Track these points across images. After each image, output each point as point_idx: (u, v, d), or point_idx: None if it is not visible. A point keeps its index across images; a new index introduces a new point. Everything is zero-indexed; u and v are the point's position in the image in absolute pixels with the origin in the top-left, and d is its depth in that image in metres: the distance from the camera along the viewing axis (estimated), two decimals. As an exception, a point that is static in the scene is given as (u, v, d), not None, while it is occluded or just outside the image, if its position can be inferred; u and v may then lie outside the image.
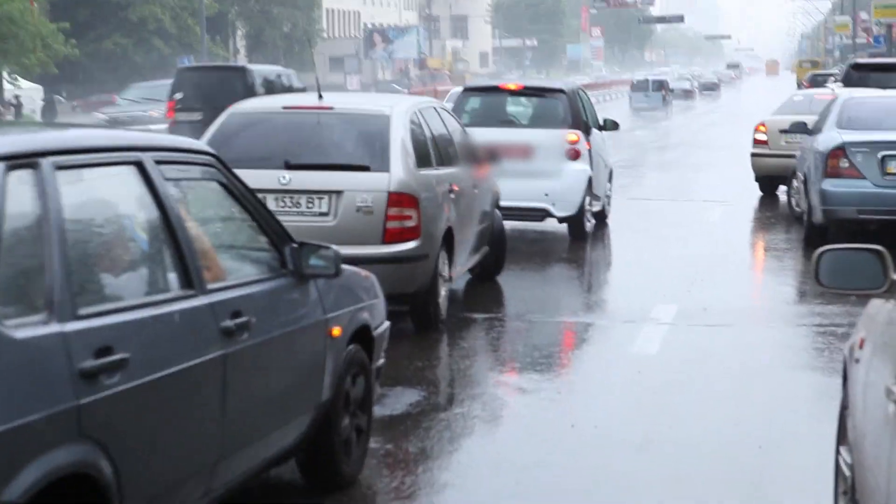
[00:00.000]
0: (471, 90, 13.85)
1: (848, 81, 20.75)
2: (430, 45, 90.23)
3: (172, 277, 4.16)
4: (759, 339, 8.30)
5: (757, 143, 17.44)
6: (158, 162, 4.22)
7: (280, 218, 7.93)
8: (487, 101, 13.69)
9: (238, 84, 20.74)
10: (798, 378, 7.33)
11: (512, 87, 13.57)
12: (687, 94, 58.23)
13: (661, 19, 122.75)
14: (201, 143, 4.87)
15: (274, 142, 8.36)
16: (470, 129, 12.73)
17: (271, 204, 7.95)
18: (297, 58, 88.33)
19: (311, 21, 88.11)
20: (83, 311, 3.55)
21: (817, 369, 7.58)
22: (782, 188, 17.56)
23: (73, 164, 3.78)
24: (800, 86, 71.46)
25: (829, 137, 12.13)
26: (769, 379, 7.22)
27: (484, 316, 9.08)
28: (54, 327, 3.41)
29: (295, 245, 4.93)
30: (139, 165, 4.14)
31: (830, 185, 11.73)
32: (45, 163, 3.62)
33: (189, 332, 4.13)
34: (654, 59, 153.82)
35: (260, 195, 8.09)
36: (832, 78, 42.32)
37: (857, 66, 21.87)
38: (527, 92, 13.54)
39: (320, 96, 8.68)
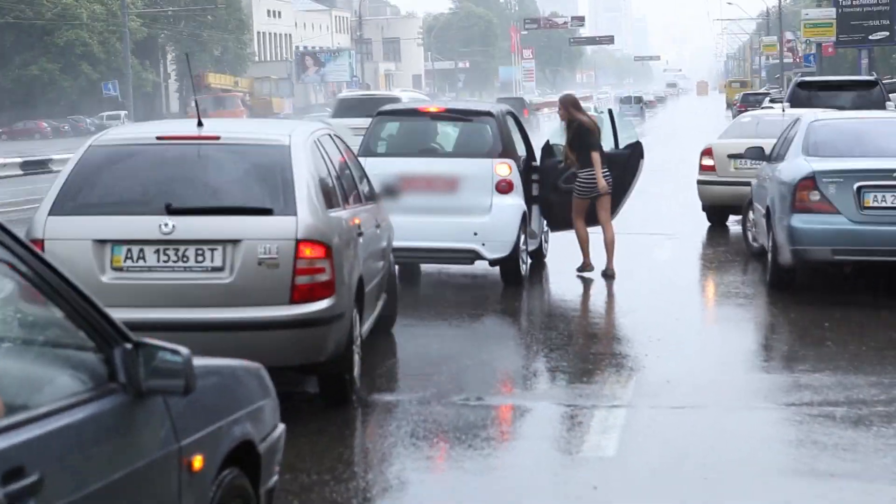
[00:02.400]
0: (386, 114, 11.92)
1: (795, 101, 19.31)
2: (362, 68, 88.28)
3: None
4: (742, 429, 6.45)
5: (704, 168, 15.75)
6: None
7: (162, 275, 6.16)
8: (405, 127, 11.80)
9: None
10: (804, 495, 5.48)
11: (433, 109, 11.65)
12: (650, 103, 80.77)
13: (591, 40, 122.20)
14: None
15: (149, 180, 6.63)
16: (386, 160, 11.07)
17: (151, 258, 6.28)
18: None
19: (242, 44, 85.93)
20: None
21: (822, 476, 5.73)
22: (732, 218, 15.91)
23: None
24: (729, 105, 71.64)
25: (796, 166, 10.40)
26: (765, 497, 5.37)
27: (397, 398, 7.16)
28: None
29: (129, 346, 3.23)
30: None
31: (800, 221, 9.99)
32: None
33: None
34: (584, 80, 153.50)
35: (136, 247, 6.25)
36: (768, 97, 41.45)
37: (804, 85, 20.46)
38: (450, 115, 11.65)
39: (200, 123, 6.87)
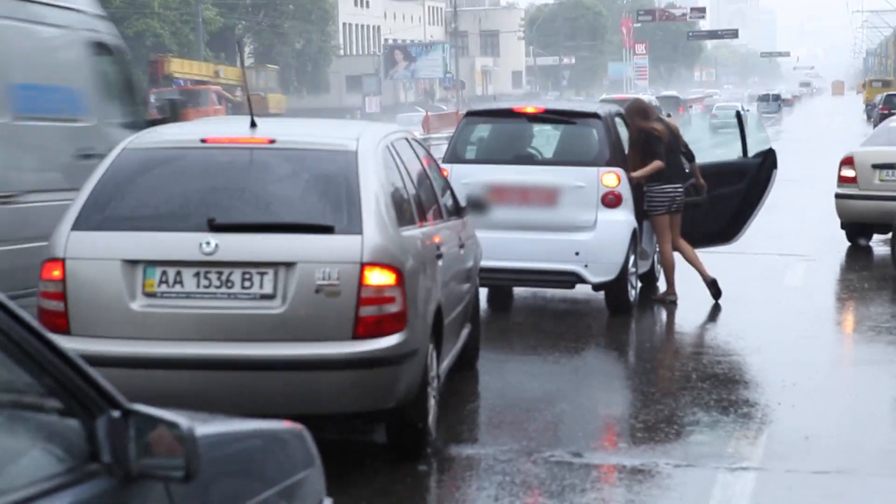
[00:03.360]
0: (476, 114, 11.41)
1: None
2: (456, 63, 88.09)
3: None
4: (900, 503, 5.80)
5: (843, 180, 14.99)
6: None
7: (203, 303, 5.52)
8: (498, 130, 11.29)
9: None
10: None
11: (530, 110, 11.10)
12: (788, 101, 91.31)
13: (713, 34, 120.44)
14: None
15: (190, 191, 6.21)
16: (475, 167, 10.62)
17: (190, 283, 5.85)
18: (309, 77, 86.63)
19: (326, 37, 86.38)
20: None
21: None
22: (877, 237, 15.12)
23: None
24: (867, 106, 70.02)
25: (963, 179, 9.67)
26: None
27: (479, 451, 6.63)
28: None
29: (116, 415, 2.75)
30: None
31: (966, 245, 9.26)
32: None
33: None
34: (704, 77, 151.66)
35: (172, 270, 5.77)
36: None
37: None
38: (550, 117, 11.09)
39: (254, 124, 6.46)
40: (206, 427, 3.16)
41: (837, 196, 15.02)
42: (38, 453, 2.71)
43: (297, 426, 3.85)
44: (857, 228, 15.08)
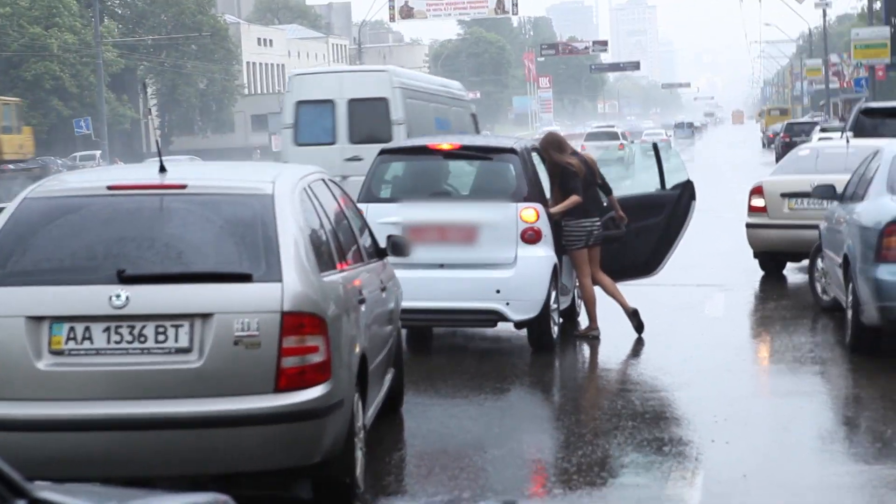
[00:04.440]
0: (390, 152, 11.18)
1: (860, 130, 18.65)
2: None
3: None
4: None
5: (753, 210, 14.97)
6: None
7: (114, 360, 5.64)
8: (413, 167, 11.08)
9: None
10: None
11: (445, 146, 10.90)
12: (699, 128, 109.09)
13: (615, 67, 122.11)
14: None
15: (98, 242, 5.88)
16: (391, 206, 10.40)
17: (100, 339, 5.52)
18: (214, 116, 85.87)
19: (230, 76, 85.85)
20: None
21: None
22: (791, 265, 15.18)
23: None
24: (764, 133, 71.28)
25: (881, 207, 9.65)
26: None
27: None
28: None
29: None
30: None
31: (889, 272, 9.22)
32: None
33: None
34: (607, 109, 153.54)
35: (80, 325, 5.36)
36: (817, 127, 40.81)
37: (869, 112, 19.77)
38: (466, 153, 10.92)
39: (163, 168, 6.15)
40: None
41: (748, 226, 15.01)
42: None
43: (221, 497, 3.58)
44: (769, 258, 15.08)
